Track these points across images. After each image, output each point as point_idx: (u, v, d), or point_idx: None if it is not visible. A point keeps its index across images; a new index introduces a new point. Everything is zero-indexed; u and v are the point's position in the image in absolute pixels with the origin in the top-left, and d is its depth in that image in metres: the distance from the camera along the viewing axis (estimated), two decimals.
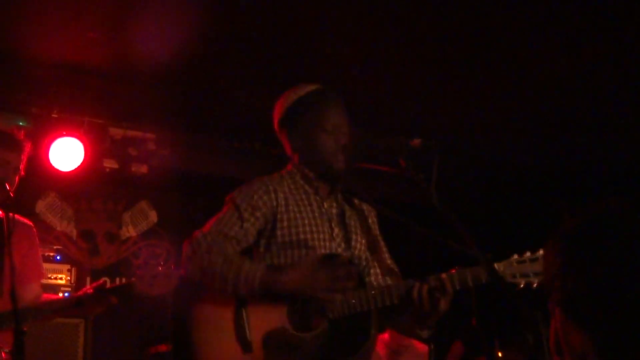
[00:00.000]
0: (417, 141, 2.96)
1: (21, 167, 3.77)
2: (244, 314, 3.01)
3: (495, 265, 2.94)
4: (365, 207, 3.38)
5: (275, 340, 2.96)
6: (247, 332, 2.98)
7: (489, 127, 6.40)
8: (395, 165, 3.08)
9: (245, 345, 2.97)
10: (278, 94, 3.39)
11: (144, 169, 6.23)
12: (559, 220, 1.44)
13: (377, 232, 3.39)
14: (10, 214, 3.43)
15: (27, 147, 3.83)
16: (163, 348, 5.08)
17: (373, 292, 2.98)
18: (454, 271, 2.95)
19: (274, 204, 3.12)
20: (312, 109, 3.27)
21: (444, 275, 2.95)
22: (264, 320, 2.98)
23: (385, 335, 5.62)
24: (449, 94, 5.74)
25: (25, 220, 3.94)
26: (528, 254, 2.98)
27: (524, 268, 2.95)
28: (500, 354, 4.81)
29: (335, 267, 2.97)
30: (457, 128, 6.33)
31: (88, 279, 6.40)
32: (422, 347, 5.50)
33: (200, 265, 3.00)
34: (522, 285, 2.93)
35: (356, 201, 3.36)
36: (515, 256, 3.00)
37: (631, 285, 1.28)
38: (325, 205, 3.24)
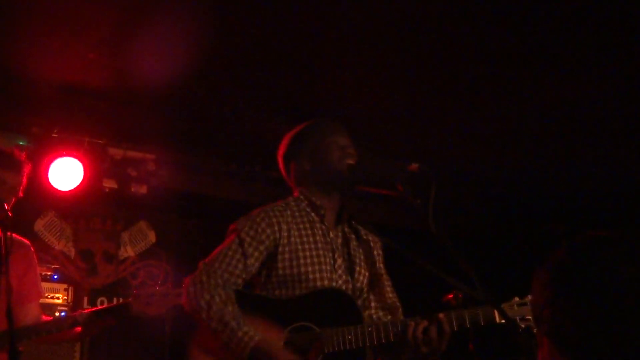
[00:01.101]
0: (414, 166, 2.97)
1: (20, 188, 3.77)
2: None
3: (479, 310, 2.95)
4: (371, 238, 3.38)
5: None
6: None
7: (487, 153, 6.41)
8: (393, 189, 3.09)
9: None
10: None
11: (143, 189, 6.24)
12: (557, 245, 1.45)
13: (382, 264, 3.38)
14: (8, 233, 3.44)
15: (27, 168, 3.82)
16: None
17: (369, 328, 2.97)
18: (453, 306, 2.95)
19: (277, 236, 3.13)
20: (318, 132, 3.31)
21: (441, 316, 2.95)
22: None
23: None
24: (448, 119, 5.75)
25: (23, 240, 3.93)
26: (516, 299, 2.98)
27: (525, 311, 2.95)
28: None
29: (332, 304, 2.97)
30: (455, 153, 6.34)
31: (86, 299, 6.39)
32: None
33: (198, 312, 3.00)
34: (521, 329, 2.92)
35: (362, 232, 3.36)
36: (517, 299, 2.99)
37: (618, 318, 1.29)
38: (331, 234, 3.23)
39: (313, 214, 3.23)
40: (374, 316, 3.26)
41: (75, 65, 5.01)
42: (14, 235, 3.67)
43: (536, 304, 1.40)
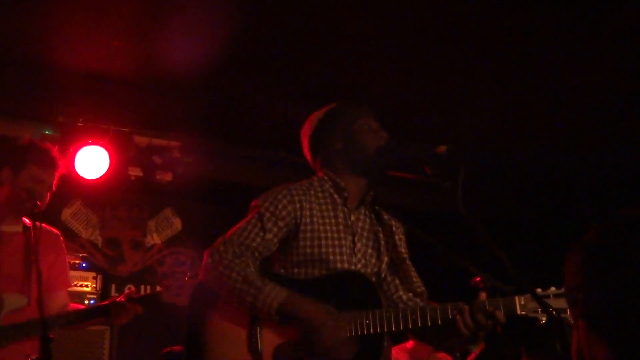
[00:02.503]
0: (442, 148, 2.94)
1: (54, 183, 3.82)
2: (258, 324, 3.00)
3: (516, 298, 2.89)
4: (394, 222, 3.34)
5: (286, 354, 2.95)
6: (259, 343, 2.98)
7: (516, 134, 6.37)
8: (422, 172, 3.07)
9: (256, 355, 2.97)
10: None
11: (168, 176, 6.26)
12: (585, 226, 1.43)
13: (404, 249, 3.34)
14: (38, 223, 3.47)
15: (62, 165, 3.88)
16: (177, 348, 5.09)
17: (388, 314, 2.94)
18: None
19: (298, 214, 3.10)
20: (350, 113, 3.28)
21: (490, 308, 2.91)
22: (277, 333, 2.98)
23: (409, 344, 5.59)
24: (476, 101, 5.72)
25: (53, 229, 3.98)
26: (553, 289, 2.93)
27: (562, 303, 2.90)
28: None
29: (352, 287, 2.97)
30: (484, 135, 6.30)
31: (113, 286, 6.45)
32: (446, 357, 5.46)
33: (219, 279, 2.99)
34: (543, 322, 2.88)
35: (385, 216, 3.32)
36: (553, 288, 2.94)
37: None
38: (352, 217, 3.20)
39: (336, 196, 3.21)
40: (403, 298, 3.24)
41: (100, 53, 5.03)
42: (43, 225, 3.72)
43: (570, 287, 1.38)
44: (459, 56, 4.99)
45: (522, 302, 2.88)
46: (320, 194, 3.20)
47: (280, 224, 3.08)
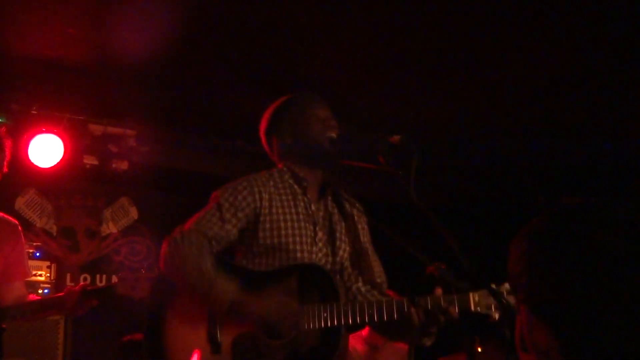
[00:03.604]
0: (396, 137, 2.97)
1: (4, 164, 3.77)
2: (217, 315, 3.01)
3: (471, 294, 2.93)
4: (355, 212, 3.36)
5: (245, 345, 2.97)
6: (218, 333, 3.00)
7: (471, 124, 6.43)
8: (375, 162, 3.09)
9: (214, 345, 2.99)
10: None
11: (124, 165, 6.22)
12: (537, 216, 1.46)
13: (367, 238, 3.37)
14: None
15: (8, 145, 3.82)
16: (137, 337, 5.09)
17: (345, 308, 2.96)
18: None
19: (258, 204, 3.11)
20: (299, 105, 3.31)
21: (444, 304, 2.92)
22: (236, 323, 2.99)
23: (364, 332, 5.63)
24: (429, 90, 5.76)
25: (10, 219, 3.94)
26: (507, 285, 2.97)
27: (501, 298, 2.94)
28: (479, 349, 4.83)
29: (309, 280, 2.98)
30: (437, 125, 6.35)
31: (68, 276, 6.39)
32: (402, 344, 5.51)
33: (175, 270, 3.01)
34: (495, 318, 2.91)
35: (347, 206, 3.35)
36: (493, 286, 2.98)
37: (594, 284, 1.30)
38: (313, 207, 3.22)
39: (296, 186, 3.23)
40: (362, 290, 3.26)
41: (54, 41, 4.97)
42: (0, 214, 3.69)
43: (514, 272, 1.41)
44: (416, 43, 5.01)
45: (476, 299, 2.93)
46: (280, 185, 3.22)
47: (240, 214, 3.10)
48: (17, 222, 3.96)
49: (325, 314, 2.94)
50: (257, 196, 3.13)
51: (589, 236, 1.33)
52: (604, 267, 1.30)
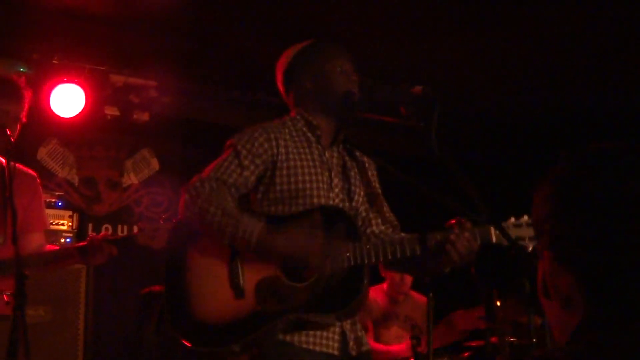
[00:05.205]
0: (418, 88, 2.95)
1: (22, 115, 3.78)
2: (239, 260, 3.03)
3: (490, 228, 2.94)
4: (366, 159, 3.37)
5: (268, 288, 2.99)
6: (241, 278, 3.01)
7: (493, 76, 6.37)
8: (396, 114, 3.07)
9: (237, 291, 3.00)
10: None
11: (145, 116, 6.23)
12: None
13: (377, 185, 3.38)
14: (12, 163, 3.45)
15: (28, 95, 3.82)
16: (156, 288, 5.14)
17: (368, 246, 2.98)
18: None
19: (275, 151, 3.11)
20: (325, 52, 3.28)
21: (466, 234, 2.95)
22: (258, 267, 3.00)
23: (385, 285, 5.66)
24: (452, 41, 5.70)
25: (29, 171, 3.95)
26: (525, 217, 2.98)
27: (520, 232, 2.95)
28: (498, 303, 4.84)
29: (331, 222, 2.99)
30: (459, 77, 6.29)
31: (90, 226, 6.44)
32: (421, 297, 5.54)
33: (198, 214, 3.00)
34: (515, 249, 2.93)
35: (357, 153, 3.35)
36: (512, 219, 2.99)
37: (620, 228, 1.28)
38: (326, 154, 3.23)
39: (309, 134, 3.22)
40: (376, 232, 3.28)
41: None
42: (19, 166, 3.71)
43: (537, 217, 1.39)
44: None
45: (497, 232, 2.94)
46: (294, 132, 3.21)
47: (257, 161, 3.09)
48: (35, 174, 3.98)
49: (348, 254, 2.96)
50: (273, 143, 3.12)
51: (617, 179, 1.30)
52: (633, 211, 1.28)
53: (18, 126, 3.75)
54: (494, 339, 4.95)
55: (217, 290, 3.03)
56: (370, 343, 5.42)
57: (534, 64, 6.06)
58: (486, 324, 4.78)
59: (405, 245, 2.98)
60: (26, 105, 3.80)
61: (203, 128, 6.68)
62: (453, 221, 3.35)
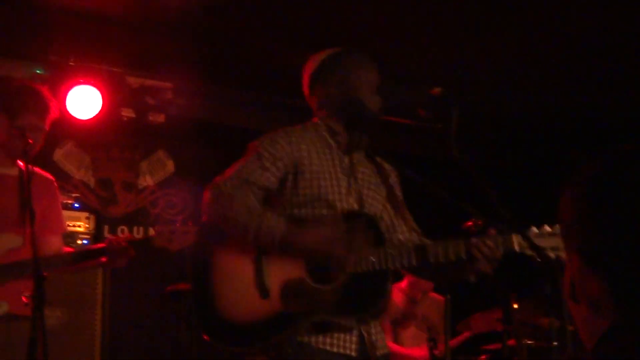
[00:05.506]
0: (437, 90, 2.94)
1: (47, 124, 3.84)
2: (264, 261, 3.05)
3: (513, 236, 2.93)
4: (387, 166, 3.38)
5: (293, 290, 3.01)
6: (266, 279, 3.04)
7: (512, 78, 6.34)
8: (415, 116, 3.07)
9: (263, 291, 3.03)
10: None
11: (161, 118, 6.23)
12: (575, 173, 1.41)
13: (399, 192, 3.39)
14: (30, 166, 3.49)
15: (54, 108, 3.89)
16: (180, 286, 5.16)
17: (391, 251, 3.00)
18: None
19: (296, 155, 3.13)
20: (354, 61, 3.28)
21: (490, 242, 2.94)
22: (284, 269, 3.03)
23: (404, 284, 5.65)
24: (471, 42, 5.67)
25: (47, 175, 3.99)
26: (547, 228, 2.96)
27: (541, 242, 2.93)
28: (515, 305, 4.82)
29: (355, 226, 3.00)
30: (478, 79, 6.27)
31: (106, 227, 6.45)
32: (439, 297, 5.53)
33: (222, 212, 3.05)
34: (538, 259, 2.90)
35: (378, 160, 3.36)
36: (534, 229, 2.98)
37: None
38: (346, 160, 3.24)
39: (331, 140, 3.24)
40: (400, 238, 3.28)
41: None
42: (37, 169, 3.76)
43: (565, 219, 1.37)
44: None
45: (520, 240, 2.92)
46: (315, 138, 3.23)
47: (279, 164, 3.12)
48: (52, 178, 4.02)
49: (373, 258, 2.97)
50: (295, 147, 3.15)
51: None
52: None
53: (42, 135, 3.80)
54: (511, 342, 4.93)
55: (243, 290, 3.06)
56: (390, 344, 5.44)
57: (555, 65, 6.03)
58: (503, 327, 4.76)
59: (428, 251, 2.99)
60: (51, 116, 3.85)
61: (218, 130, 6.68)
62: (470, 223, 3.33)
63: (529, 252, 2.91)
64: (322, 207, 3.10)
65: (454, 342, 5.37)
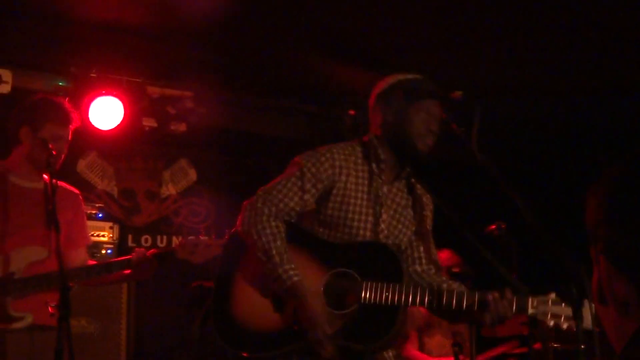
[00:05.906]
0: (458, 93, 2.94)
1: (70, 135, 3.92)
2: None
3: (530, 299, 2.96)
4: (425, 198, 3.39)
5: None
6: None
7: (533, 82, 6.31)
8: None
9: (279, 305, 3.11)
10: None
11: (182, 127, 6.26)
12: (599, 176, 1.41)
13: (430, 226, 3.41)
14: (54, 180, 3.53)
15: (76, 119, 3.97)
16: (207, 283, 5.19)
17: (409, 288, 3.03)
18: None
19: (336, 178, 3.18)
20: (415, 91, 3.26)
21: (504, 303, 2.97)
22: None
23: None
24: (493, 47, 5.65)
25: (72, 188, 4.07)
26: (553, 295, 2.98)
27: (558, 310, 2.94)
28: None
29: (372, 257, 3.08)
30: (499, 84, 6.25)
31: (130, 237, 6.48)
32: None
33: (251, 237, 3.11)
34: (551, 325, 2.95)
35: (418, 190, 3.38)
36: (553, 295, 2.97)
37: None
38: (385, 189, 3.27)
39: (374, 165, 3.26)
40: (418, 271, 3.33)
41: (111, 3, 4.99)
42: (62, 183, 3.82)
43: (592, 222, 1.36)
44: (481, 2, 4.93)
45: (534, 303, 2.97)
46: (359, 161, 3.26)
47: (319, 185, 3.18)
48: (78, 191, 4.09)
49: (387, 293, 3.01)
50: (337, 170, 3.19)
51: None
52: None
53: (65, 145, 3.85)
54: (537, 345, 4.89)
55: (259, 299, 3.14)
56: (416, 353, 5.42)
57: (578, 70, 5.99)
58: (529, 330, 4.73)
59: (443, 297, 3.02)
60: (73, 125, 3.93)
61: (240, 137, 6.69)
62: (493, 226, 3.32)
63: (541, 317, 2.93)
64: (346, 232, 3.17)
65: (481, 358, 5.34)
